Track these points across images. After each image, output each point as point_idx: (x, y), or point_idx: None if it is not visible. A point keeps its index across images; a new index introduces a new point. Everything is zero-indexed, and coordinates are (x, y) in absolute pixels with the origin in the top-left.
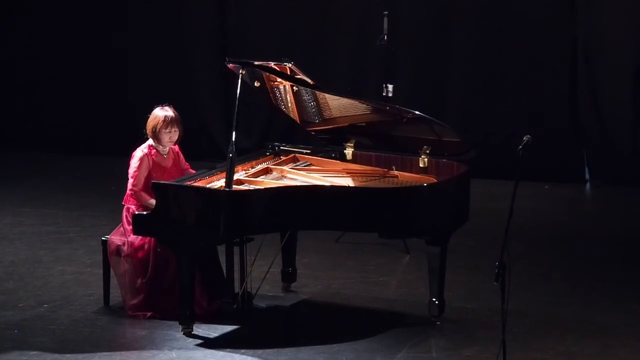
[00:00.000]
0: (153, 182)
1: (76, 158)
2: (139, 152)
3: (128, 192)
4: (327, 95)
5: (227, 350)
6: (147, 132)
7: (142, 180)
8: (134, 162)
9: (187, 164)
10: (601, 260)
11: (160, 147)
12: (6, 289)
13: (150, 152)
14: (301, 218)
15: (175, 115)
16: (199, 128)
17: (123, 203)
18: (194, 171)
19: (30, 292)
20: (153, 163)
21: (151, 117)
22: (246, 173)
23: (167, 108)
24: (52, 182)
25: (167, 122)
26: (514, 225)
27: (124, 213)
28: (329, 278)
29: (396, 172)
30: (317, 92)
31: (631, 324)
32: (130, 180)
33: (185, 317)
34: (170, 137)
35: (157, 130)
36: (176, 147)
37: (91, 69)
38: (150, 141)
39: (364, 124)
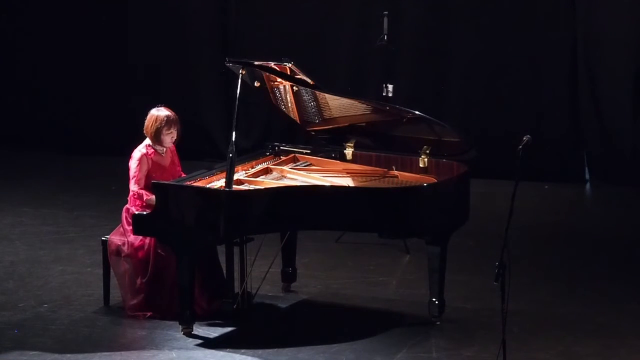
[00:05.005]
0: (153, 182)
1: (76, 158)
2: (137, 153)
3: (131, 194)
4: (327, 95)
5: (227, 350)
6: (148, 134)
7: (144, 180)
8: (134, 164)
9: (179, 167)
10: (601, 260)
11: (159, 147)
12: (6, 289)
13: (148, 152)
14: (301, 218)
15: (174, 115)
16: (199, 128)
17: (129, 207)
18: (183, 173)
19: (30, 292)
20: (152, 163)
21: (150, 119)
22: (246, 173)
23: (163, 109)
24: (52, 182)
25: (169, 123)
26: (514, 225)
27: (124, 214)
28: (329, 278)
29: (396, 172)
30: (317, 92)
31: (631, 324)
32: (132, 181)
33: (185, 317)
34: (172, 137)
35: (160, 132)
36: (172, 146)
37: (91, 69)
38: (148, 141)
39: (364, 124)
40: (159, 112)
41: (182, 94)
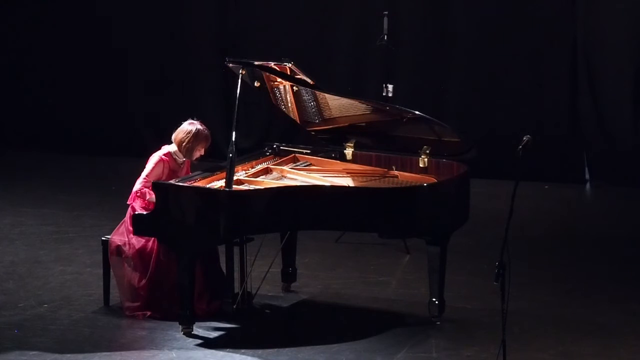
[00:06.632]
0: (153, 182)
1: (76, 158)
2: (156, 157)
3: (134, 191)
4: (327, 95)
5: (227, 350)
6: (180, 145)
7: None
8: (150, 164)
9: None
10: (601, 260)
11: (179, 157)
12: (6, 289)
13: (167, 159)
14: (301, 218)
15: (209, 132)
16: None
17: (128, 203)
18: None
19: (30, 292)
20: (168, 171)
21: (187, 132)
22: (246, 173)
23: (198, 124)
24: (52, 182)
25: (207, 140)
26: (514, 225)
27: (129, 212)
28: (329, 278)
29: (396, 172)
30: (317, 92)
31: (631, 324)
32: (143, 177)
33: (185, 317)
34: (201, 153)
35: (195, 147)
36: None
37: (91, 69)
38: (169, 148)
39: (364, 124)
40: (197, 127)
41: (182, 94)
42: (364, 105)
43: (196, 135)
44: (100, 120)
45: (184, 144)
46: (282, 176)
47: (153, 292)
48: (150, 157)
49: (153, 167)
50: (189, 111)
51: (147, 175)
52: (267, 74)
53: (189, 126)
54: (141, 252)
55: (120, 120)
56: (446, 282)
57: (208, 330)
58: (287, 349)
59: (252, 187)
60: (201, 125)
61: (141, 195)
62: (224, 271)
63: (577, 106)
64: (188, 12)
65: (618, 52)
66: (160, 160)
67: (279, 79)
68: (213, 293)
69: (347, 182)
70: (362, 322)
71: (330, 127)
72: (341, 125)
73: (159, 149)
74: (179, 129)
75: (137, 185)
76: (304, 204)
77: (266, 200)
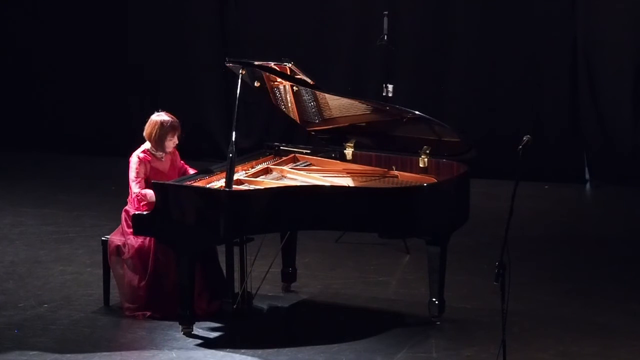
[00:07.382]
0: (153, 182)
1: (76, 158)
2: (135, 157)
3: (134, 196)
4: (327, 95)
5: (227, 350)
6: (150, 140)
7: (143, 182)
8: (132, 166)
9: (181, 161)
10: (601, 260)
11: (159, 152)
12: (6, 289)
13: (146, 157)
14: (301, 218)
15: (176, 120)
16: (199, 128)
17: (128, 208)
18: (190, 169)
19: (30, 292)
20: (151, 168)
21: (152, 125)
22: (246, 173)
23: (164, 114)
24: (52, 182)
25: (174, 129)
26: (514, 225)
27: (123, 215)
28: (329, 278)
29: (396, 172)
30: (317, 92)
31: (631, 324)
32: (133, 184)
33: (185, 317)
34: (174, 143)
35: (164, 138)
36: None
37: (91, 69)
38: (145, 145)
39: (364, 124)
40: (162, 118)
41: (182, 94)
42: (364, 105)
43: (161, 126)
44: (100, 120)
45: (152, 137)
46: (282, 176)
47: (152, 293)
48: (130, 159)
49: (137, 168)
50: (189, 111)
51: (136, 177)
52: (267, 74)
53: (155, 118)
54: (139, 252)
55: (119, 120)
56: (446, 282)
57: (208, 330)
58: (287, 349)
59: (252, 187)
60: (167, 115)
61: (143, 197)
62: (224, 271)
63: (577, 106)
64: (188, 12)
65: (618, 52)
66: (139, 159)
67: (279, 79)
68: (213, 293)
69: (347, 182)
70: (362, 322)
71: (330, 127)
72: (341, 125)
73: (138, 147)
74: (147, 123)
75: (135, 189)
76: (304, 204)
77: (266, 200)
